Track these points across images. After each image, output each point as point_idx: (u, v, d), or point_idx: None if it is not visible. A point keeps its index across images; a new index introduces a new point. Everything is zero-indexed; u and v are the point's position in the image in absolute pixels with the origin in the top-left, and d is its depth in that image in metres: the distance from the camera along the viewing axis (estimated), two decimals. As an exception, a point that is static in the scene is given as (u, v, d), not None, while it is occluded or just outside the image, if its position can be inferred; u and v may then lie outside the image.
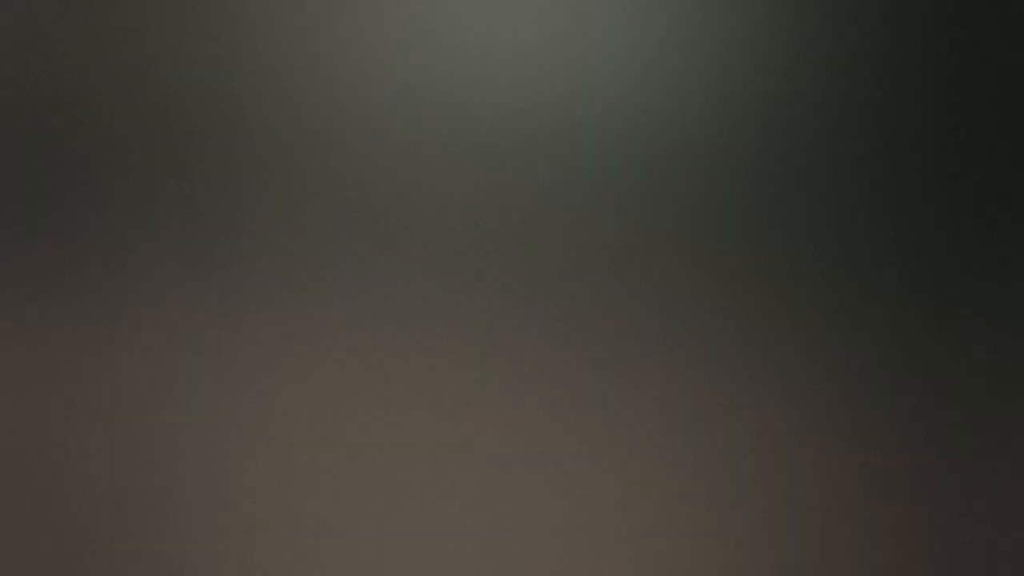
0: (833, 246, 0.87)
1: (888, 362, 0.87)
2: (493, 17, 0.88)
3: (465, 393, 0.88)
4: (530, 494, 0.88)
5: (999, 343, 0.86)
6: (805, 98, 0.87)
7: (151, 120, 0.88)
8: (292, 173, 0.88)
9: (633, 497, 0.87)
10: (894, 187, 0.87)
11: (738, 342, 0.87)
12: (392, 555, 0.88)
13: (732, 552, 0.87)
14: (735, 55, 0.87)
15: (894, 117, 0.87)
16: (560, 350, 0.87)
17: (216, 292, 0.88)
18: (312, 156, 0.88)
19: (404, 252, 0.88)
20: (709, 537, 0.87)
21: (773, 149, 0.87)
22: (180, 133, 0.88)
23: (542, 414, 0.87)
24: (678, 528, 0.87)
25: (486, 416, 0.88)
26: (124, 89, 0.88)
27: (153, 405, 0.88)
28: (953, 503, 0.87)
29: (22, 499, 0.88)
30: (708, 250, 0.87)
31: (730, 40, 0.87)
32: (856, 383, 0.87)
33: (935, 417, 0.87)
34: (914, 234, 0.87)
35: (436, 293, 0.88)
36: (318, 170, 0.88)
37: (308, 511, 0.88)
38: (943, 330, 0.87)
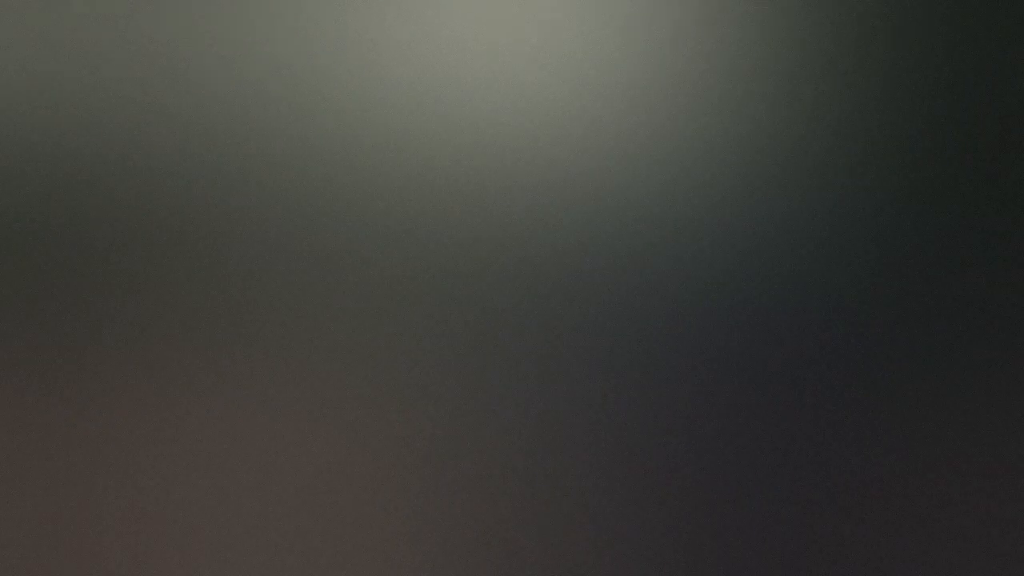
0: (832, 247, 0.87)
1: (888, 364, 0.87)
2: (491, 21, 0.88)
3: (464, 407, 0.88)
4: (536, 496, 0.88)
5: (1000, 343, 0.86)
6: (808, 101, 0.87)
7: (144, 140, 0.88)
8: (286, 186, 0.88)
9: (635, 499, 0.87)
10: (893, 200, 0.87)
11: (735, 343, 0.87)
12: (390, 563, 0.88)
13: (731, 553, 0.87)
14: (737, 62, 0.87)
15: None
16: (559, 354, 0.87)
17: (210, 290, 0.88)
18: (303, 175, 0.88)
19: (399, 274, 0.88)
20: (712, 539, 0.87)
21: (772, 156, 0.87)
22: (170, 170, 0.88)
23: (537, 423, 0.87)
24: (676, 528, 0.87)
25: (486, 424, 0.88)
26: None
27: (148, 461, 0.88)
28: (953, 502, 0.87)
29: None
30: (707, 253, 0.87)
31: (731, 48, 0.87)
32: (855, 385, 0.87)
33: (936, 417, 0.87)
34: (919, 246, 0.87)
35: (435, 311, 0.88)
36: (305, 178, 0.88)
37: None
38: (944, 332, 0.87)
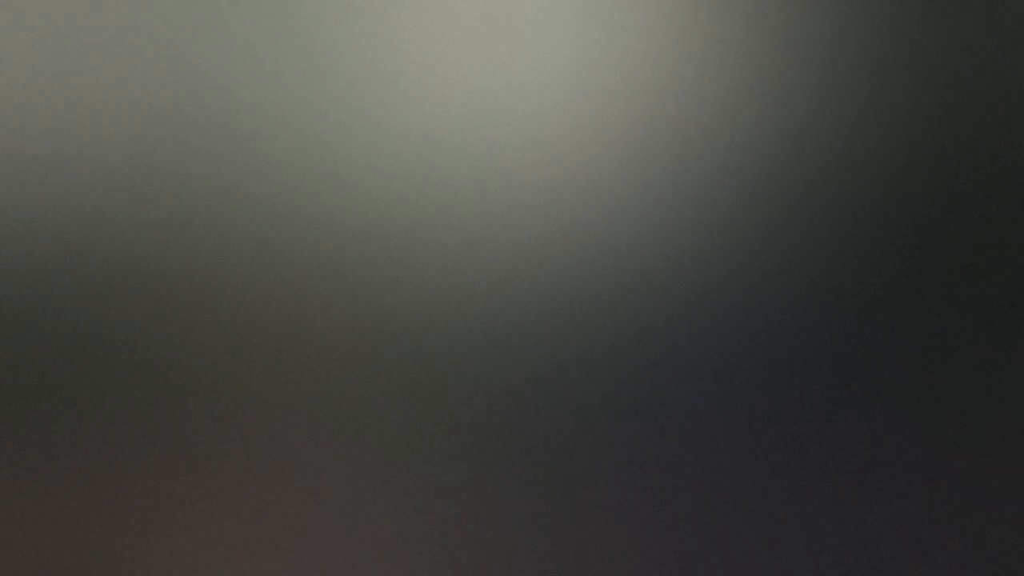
0: (833, 246, 0.87)
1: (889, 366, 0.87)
2: (492, 22, 0.88)
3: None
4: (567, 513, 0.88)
5: (1000, 343, 0.87)
6: (808, 101, 0.87)
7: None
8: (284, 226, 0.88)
9: (637, 501, 0.87)
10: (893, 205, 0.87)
11: (736, 343, 0.87)
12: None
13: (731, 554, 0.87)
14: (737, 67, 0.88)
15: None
16: (559, 355, 0.87)
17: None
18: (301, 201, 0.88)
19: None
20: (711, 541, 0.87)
21: (772, 155, 0.87)
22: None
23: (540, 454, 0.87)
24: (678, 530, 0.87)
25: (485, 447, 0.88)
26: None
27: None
28: (953, 503, 0.87)
29: None
30: (709, 254, 0.87)
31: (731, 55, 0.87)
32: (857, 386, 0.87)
33: (937, 417, 0.87)
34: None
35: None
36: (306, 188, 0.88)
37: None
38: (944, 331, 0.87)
